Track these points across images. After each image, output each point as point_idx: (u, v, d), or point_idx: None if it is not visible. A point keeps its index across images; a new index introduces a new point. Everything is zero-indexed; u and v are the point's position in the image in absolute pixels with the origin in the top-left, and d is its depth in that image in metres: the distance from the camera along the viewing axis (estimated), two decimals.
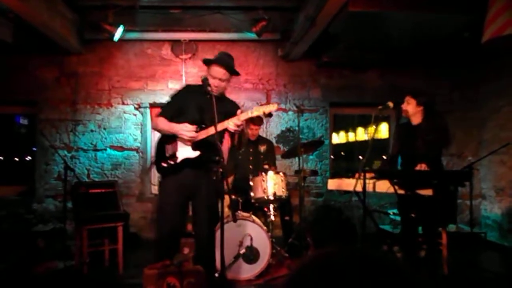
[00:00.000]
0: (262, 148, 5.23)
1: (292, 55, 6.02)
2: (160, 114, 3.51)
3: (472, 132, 6.53)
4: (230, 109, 3.49)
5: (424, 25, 4.89)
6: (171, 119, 3.46)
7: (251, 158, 5.17)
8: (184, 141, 3.40)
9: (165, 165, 3.45)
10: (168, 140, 3.48)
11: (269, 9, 5.35)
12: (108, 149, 6.07)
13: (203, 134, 3.38)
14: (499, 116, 6.10)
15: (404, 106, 3.81)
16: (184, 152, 3.42)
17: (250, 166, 5.08)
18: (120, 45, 6.02)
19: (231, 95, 6.22)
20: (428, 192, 3.32)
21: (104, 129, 6.06)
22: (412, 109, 3.79)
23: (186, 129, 3.35)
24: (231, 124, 3.23)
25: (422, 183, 3.36)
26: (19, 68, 6.01)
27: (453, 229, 5.48)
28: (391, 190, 3.38)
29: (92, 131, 6.07)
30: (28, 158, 6.49)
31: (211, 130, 3.28)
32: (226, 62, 3.46)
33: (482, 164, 6.18)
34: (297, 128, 5.53)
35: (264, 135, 5.76)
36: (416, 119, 3.82)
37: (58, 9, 5.01)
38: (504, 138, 5.73)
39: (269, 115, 3.28)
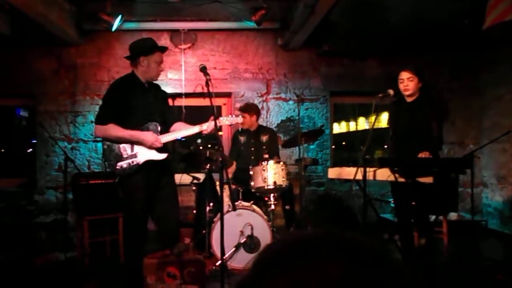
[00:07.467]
0: (264, 138, 5.19)
1: (292, 44, 5.97)
2: (107, 121, 3.33)
3: (473, 120, 6.50)
4: (161, 92, 3.69)
5: (424, 11, 4.83)
6: (119, 121, 3.35)
7: (253, 148, 5.14)
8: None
9: (124, 165, 3.34)
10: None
11: None
12: None
13: (165, 139, 3.44)
14: (500, 104, 6.06)
15: (405, 85, 3.68)
16: (147, 153, 3.38)
17: (252, 157, 5.06)
18: (118, 35, 5.97)
19: (231, 85, 6.27)
20: (429, 180, 3.30)
21: None
22: (414, 86, 3.68)
23: (152, 139, 3.34)
24: (207, 128, 3.40)
25: (423, 171, 3.34)
26: (17, 61, 5.97)
27: (455, 217, 5.48)
28: (392, 178, 3.36)
29: (92, 122, 6.02)
30: (29, 150, 6.49)
31: (174, 135, 3.47)
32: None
33: (483, 152, 6.17)
34: (297, 118, 5.50)
35: (264, 125, 5.73)
36: (413, 96, 3.75)
37: None
38: (505, 126, 5.70)
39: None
